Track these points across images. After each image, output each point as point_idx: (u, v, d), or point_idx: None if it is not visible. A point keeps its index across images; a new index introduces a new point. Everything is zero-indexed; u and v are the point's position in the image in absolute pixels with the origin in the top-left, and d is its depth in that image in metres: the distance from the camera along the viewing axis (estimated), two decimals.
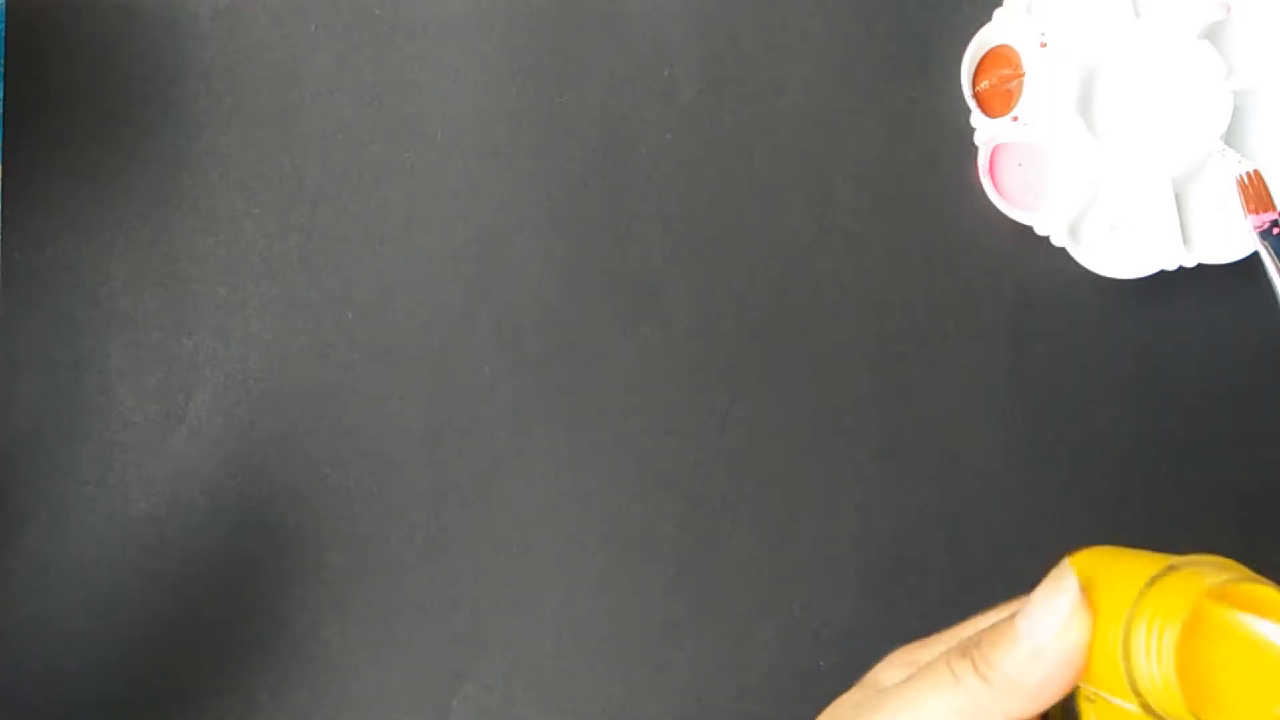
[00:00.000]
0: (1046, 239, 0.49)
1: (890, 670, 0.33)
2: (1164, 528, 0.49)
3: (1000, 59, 0.50)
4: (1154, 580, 0.26)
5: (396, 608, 0.49)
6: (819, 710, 0.33)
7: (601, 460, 0.50)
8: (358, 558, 0.50)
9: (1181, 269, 0.48)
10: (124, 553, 0.50)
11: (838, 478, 0.49)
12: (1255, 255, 0.47)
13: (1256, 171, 0.47)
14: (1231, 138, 0.48)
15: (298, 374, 0.50)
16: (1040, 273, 0.50)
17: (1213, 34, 0.48)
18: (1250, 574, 0.26)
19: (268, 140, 0.51)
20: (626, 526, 0.50)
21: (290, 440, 0.50)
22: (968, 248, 0.50)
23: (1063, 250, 0.48)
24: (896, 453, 0.49)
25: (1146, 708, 0.26)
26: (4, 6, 0.52)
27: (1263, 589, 0.26)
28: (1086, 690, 0.28)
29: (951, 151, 0.50)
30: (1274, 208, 0.46)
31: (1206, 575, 0.26)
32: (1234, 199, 0.48)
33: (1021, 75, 0.49)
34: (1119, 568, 0.28)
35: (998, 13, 0.49)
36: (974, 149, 0.50)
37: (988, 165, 0.49)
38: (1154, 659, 0.26)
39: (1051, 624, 0.27)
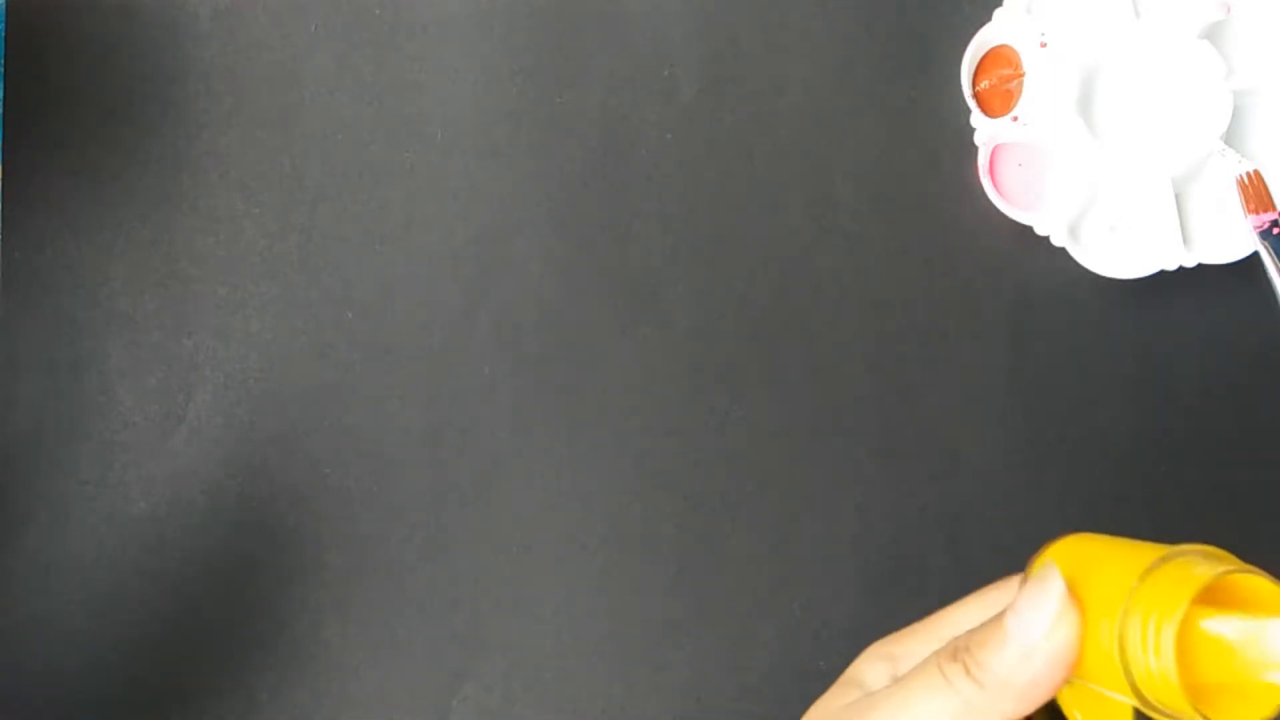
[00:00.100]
0: (1046, 239, 0.49)
1: (869, 666, 0.33)
2: (1164, 528, 0.49)
3: (1000, 59, 0.50)
4: (1147, 573, 0.26)
5: (396, 608, 0.49)
6: None
7: (601, 460, 0.50)
8: (358, 558, 0.50)
9: (1181, 269, 0.48)
10: (124, 553, 0.50)
11: (838, 478, 0.49)
12: (1255, 255, 0.47)
13: (1256, 171, 0.47)
14: (1231, 138, 0.48)
15: (298, 374, 0.50)
16: (1040, 273, 0.50)
17: (1213, 34, 0.48)
18: (1240, 563, 0.26)
19: (268, 140, 0.51)
20: (626, 526, 0.50)
21: (290, 440, 0.50)
22: (968, 248, 0.50)
23: (1063, 250, 0.48)
24: (896, 453, 0.49)
25: (1144, 701, 0.26)
26: (4, 6, 0.52)
27: (1256, 579, 0.26)
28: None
29: (951, 151, 0.50)
30: (1274, 208, 0.46)
31: (1198, 566, 0.26)
32: (1234, 199, 0.48)
33: (1021, 75, 0.49)
34: (1104, 561, 0.28)
35: (998, 13, 0.49)
36: (974, 149, 0.50)
37: (988, 165, 0.49)
38: (1152, 653, 0.26)
39: (1040, 623, 0.27)
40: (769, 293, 0.50)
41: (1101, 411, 0.49)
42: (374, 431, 0.50)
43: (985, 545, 0.49)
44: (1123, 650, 0.26)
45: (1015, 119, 0.49)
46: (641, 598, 0.49)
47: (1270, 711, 0.26)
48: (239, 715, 0.49)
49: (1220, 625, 0.25)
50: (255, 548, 0.50)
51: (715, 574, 0.49)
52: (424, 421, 0.50)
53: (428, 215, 0.51)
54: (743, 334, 0.50)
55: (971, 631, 0.29)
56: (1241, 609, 0.26)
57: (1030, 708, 0.28)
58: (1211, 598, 0.26)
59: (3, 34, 0.52)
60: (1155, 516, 0.49)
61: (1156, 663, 0.26)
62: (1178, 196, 0.48)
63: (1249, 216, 0.47)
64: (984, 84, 0.50)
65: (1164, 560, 0.26)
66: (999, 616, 0.28)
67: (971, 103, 0.49)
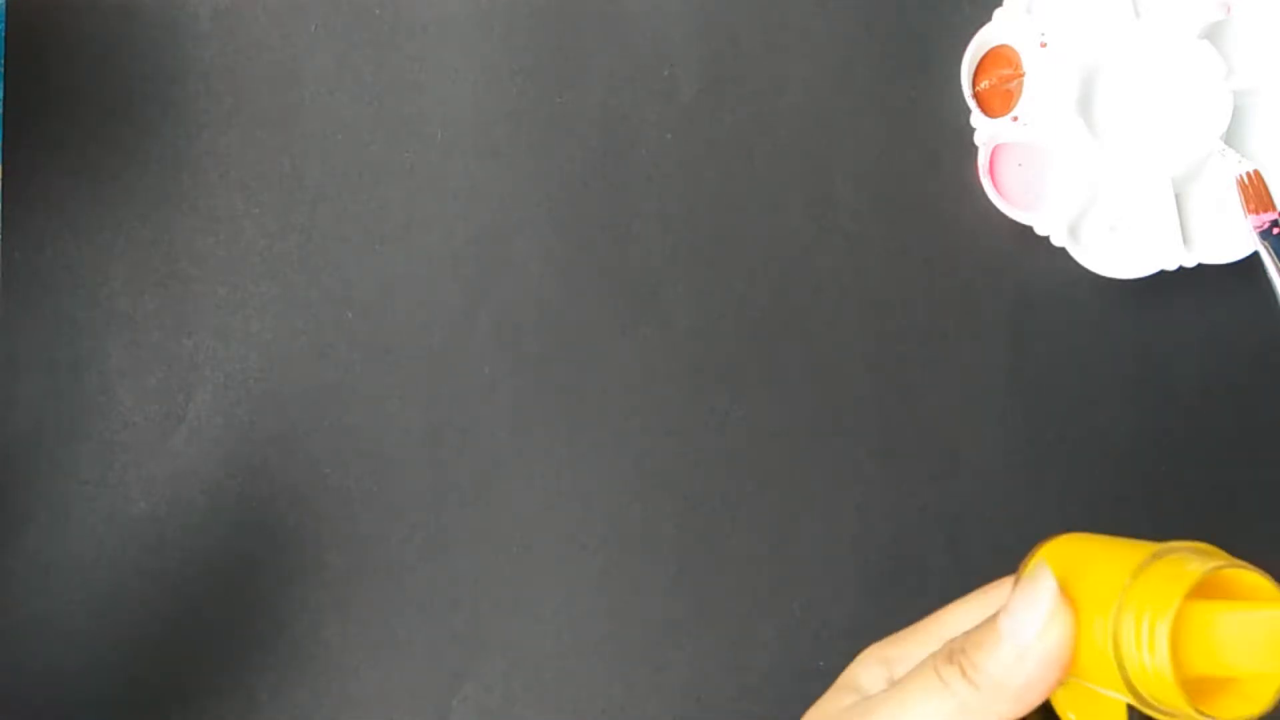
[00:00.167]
0: (1046, 239, 0.49)
1: (865, 669, 0.33)
2: (1164, 528, 0.49)
3: (1000, 59, 0.50)
4: (1140, 571, 0.26)
5: (396, 608, 0.49)
6: None
7: (601, 460, 0.50)
8: (358, 558, 0.50)
9: (1181, 269, 0.48)
10: (124, 553, 0.50)
11: (838, 478, 0.49)
12: (1255, 255, 0.47)
13: (1256, 171, 0.47)
14: (1231, 138, 0.48)
15: (298, 374, 0.50)
16: (1040, 273, 0.50)
17: (1213, 34, 0.48)
18: (1231, 558, 0.26)
19: (268, 140, 0.51)
20: (626, 526, 0.50)
21: (290, 440, 0.50)
22: (968, 248, 0.50)
23: (1063, 250, 0.48)
24: (896, 453, 0.49)
25: (1140, 698, 0.26)
26: (4, 6, 0.52)
27: (1247, 574, 0.26)
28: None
29: (951, 151, 0.50)
30: (1274, 208, 0.46)
31: (1190, 562, 0.26)
32: (1234, 199, 0.48)
33: (1021, 75, 0.49)
34: (1095, 559, 0.28)
35: (998, 13, 0.49)
36: (974, 149, 0.50)
37: (988, 165, 0.49)
38: (1146, 649, 0.26)
39: (1033, 624, 0.27)
40: (769, 293, 0.50)
41: (1101, 411, 0.49)
42: (374, 431, 0.50)
43: (985, 545, 0.49)
44: (1117, 647, 0.26)
45: (1015, 119, 0.49)
46: (641, 598, 0.49)
47: (1265, 705, 0.26)
48: (239, 715, 0.49)
49: (1214, 620, 0.26)
50: (255, 548, 0.50)
51: (715, 574, 0.49)
52: (424, 421, 0.50)
53: (428, 215, 0.51)
54: (743, 334, 0.50)
55: (966, 634, 0.29)
56: (1233, 604, 0.26)
57: (1026, 708, 0.28)
58: (1204, 593, 0.26)
59: (3, 34, 0.52)
60: (1155, 516, 0.49)
61: (1151, 659, 0.26)
62: (1178, 196, 0.48)
63: (1249, 216, 0.47)
64: (984, 84, 0.50)
65: (1156, 557, 0.27)
66: (993, 618, 0.28)
67: (971, 103, 0.49)
